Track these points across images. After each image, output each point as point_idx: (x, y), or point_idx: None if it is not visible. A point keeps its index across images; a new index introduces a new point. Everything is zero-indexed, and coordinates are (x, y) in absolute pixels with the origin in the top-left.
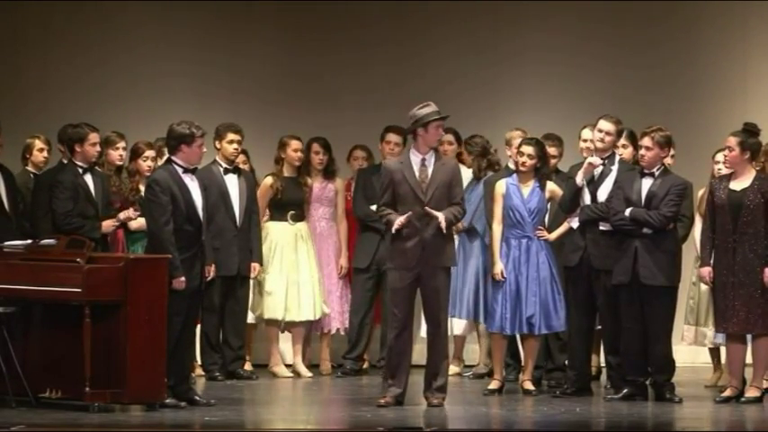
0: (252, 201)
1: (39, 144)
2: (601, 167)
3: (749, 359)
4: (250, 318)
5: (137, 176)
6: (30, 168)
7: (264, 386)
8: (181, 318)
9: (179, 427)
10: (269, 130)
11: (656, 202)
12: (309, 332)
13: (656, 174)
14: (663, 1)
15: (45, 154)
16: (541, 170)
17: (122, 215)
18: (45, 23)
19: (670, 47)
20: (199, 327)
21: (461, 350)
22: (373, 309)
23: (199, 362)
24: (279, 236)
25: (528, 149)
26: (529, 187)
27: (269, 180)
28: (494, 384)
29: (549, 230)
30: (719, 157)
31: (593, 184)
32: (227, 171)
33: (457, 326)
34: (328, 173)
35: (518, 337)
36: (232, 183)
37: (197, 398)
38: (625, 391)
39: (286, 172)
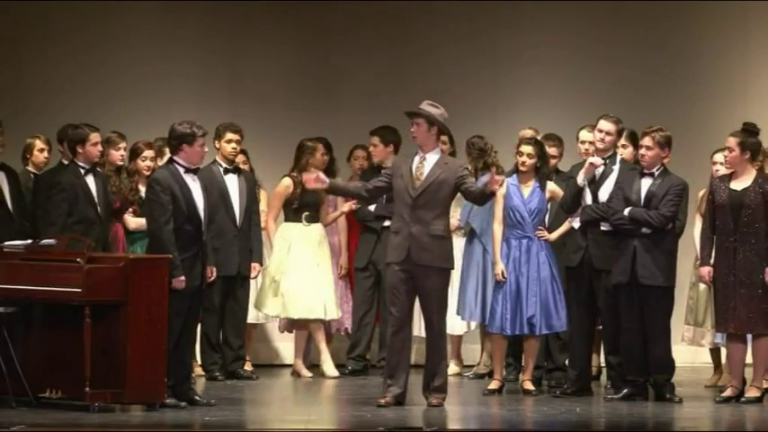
0: (252, 201)
1: (39, 144)
2: (602, 167)
3: (749, 359)
4: (251, 318)
5: (136, 176)
6: (30, 168)
7: (264, 386)
8: (181, 318)
9: (179, 427)
10: (269, 130)
11: (656, 202)
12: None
13: (656, 174)
14: (663, 1)
15: (45, 154)
16: (541, 170)
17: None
18: (45, 23)
19: (670, 47)
20: (199, 327)
21: (459, 350)
22: (374, 308)
23: (199, 362)
24: (294, 237)
25: (527, 149)
26: (529, 187)
27: (287, 181)
28: (494, 384)
29: (550, 230)
30: (718, 157)
31: (595, 184)
32: (227, 171)
33: (454, 326)
34: (329, 173)
35: None
36: (232, 183)
37: (197, 398)
38: (625, 391)
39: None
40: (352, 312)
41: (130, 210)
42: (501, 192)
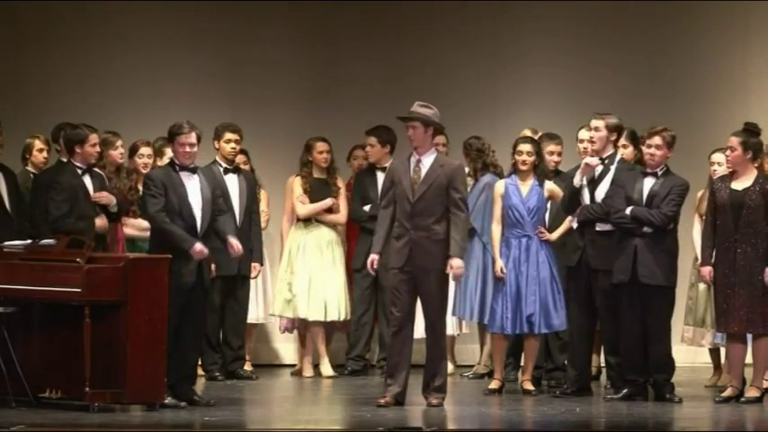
0: (252, 201)
1: (38, 144)
2: (601, 167)
3: (749, 359)
4: (251, 318)
5: (134, 175)
6: (30, 168)
7: (264, 386)
8: (174, 311)
9: (179, 427)
10: (269, 131)
11: (658, 202)
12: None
13: (659, 173)
14: (663, 2)
15: (45, 154)
16: (539, 168)
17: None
18: (45, 25)
19: (670, 48)
20: None
21: (452, 350)
22: (372, 308)
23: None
24: (304, 237)
25: (526, 147)
26: (528, 186)
27: (296, 180)
28: (494, 384)
29: (550, 230)
30: (715, 157)
31: (593, 183)
32: (226, 171)
33: (448, 326)
34: (329, 172)
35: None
36: (232, 183)
37: (197, 398)
38: (625, 391)
39: (315, 173)
40: (351, 313)
41: (111, 201)
42: (499, 191)
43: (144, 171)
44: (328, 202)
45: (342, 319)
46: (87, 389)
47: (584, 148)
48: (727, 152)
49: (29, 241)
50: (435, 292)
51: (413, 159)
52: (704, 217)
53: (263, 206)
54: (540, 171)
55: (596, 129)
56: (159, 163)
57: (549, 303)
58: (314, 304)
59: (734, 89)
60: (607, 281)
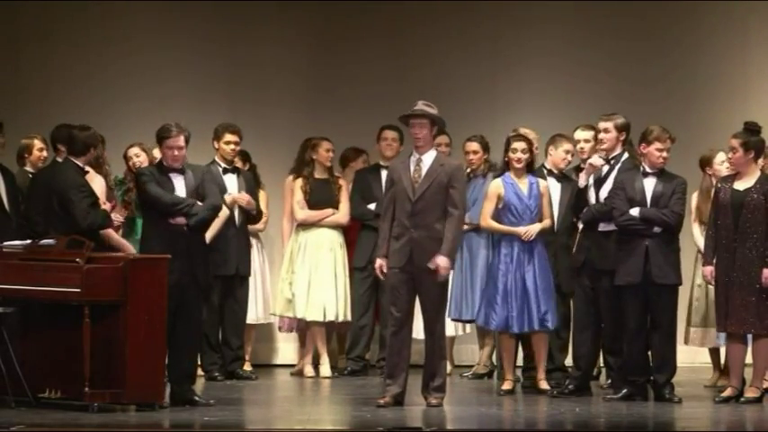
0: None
1: (38, 144)
2: (606, 167)
3: (749, 359)
4: (250, 318)
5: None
6: (28, 168)
7: (264, 386)
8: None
9: (179, 427)
10: (268, 131)
11: (665, 201)
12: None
13: (659, 173)
14: (663, 2)
15: (45, 153)
16: (531, 165)
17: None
18: (45, 27)
19: (670, 48)
20: None
21: (451, 351)
22: (372, 308)
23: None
24: (305, 237)
25: (521, 145)
26: (525, 184)
27: (296, 182)
28: (507, 385)
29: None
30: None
31: (598, 184)
32: (225, 171)
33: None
34: (330, 171)
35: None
36: (231, 182)
37: (196, 398)
38: (624, 390)
39: (317, 174)
40: (351, 312)
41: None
42: (498, 191)
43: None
44: (329, 212)
45: (341, 320)
46: (87, 389)
47: (581, 149)
48: (729, 154)
49: (28, 241)
50: (435, 292)
51: (413, 158)
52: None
53: (262, 206)
54: (538, 170)
55: (606, 130)
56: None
57: (550, 301)
58: (313, 305)
59: (733, 90)
60: (608, 281)
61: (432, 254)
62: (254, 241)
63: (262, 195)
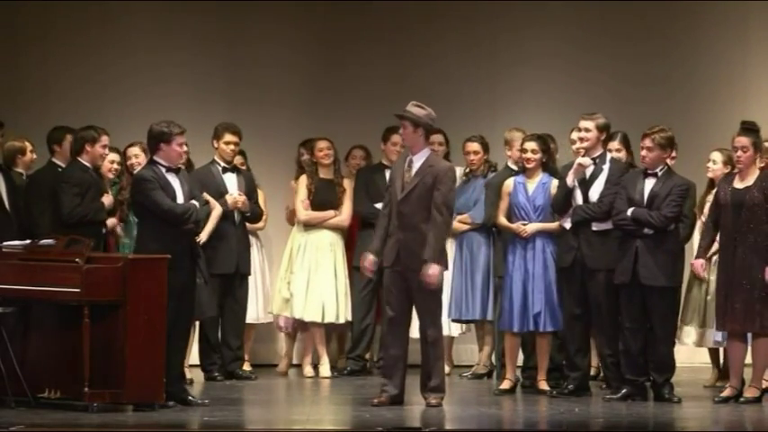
0: (250, 199)
1: (29, 146)
2: (592, 167)
3: (749, 359)
4: (250, 318)
5: (125, 175)
6: (19, 170)
7: (264, 386)
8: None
9: (178, 428)
10: (267, 131)
11: (658, 203)
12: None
13: (660, 174)
14: (663, 2)
15: (35, 156)
16: (547, 165)
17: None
18: (44, 27)
19: (670, 48)
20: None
21: (450, 351)
22: (374, 307)
23: (198, 362)
24: (305, 238)
25: (531, 145)
26: (535, 184)
27: (300, 180)
28: (505, 384)
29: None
30: (713, 155)
31: (585, 184)
32: (225, 170)
33: (448, 326)
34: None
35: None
36: (231, 181)
37: (190, 398)
38: (624, 390)
39: (321, 174)
40: (352, 312)
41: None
42: (507, 189)
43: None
44: (330, 213)
45: (340, 321)
46: (86, 389)
47: (577, 149)
48: (739, 153)
49: (28, 241)
50: (426, 296)
51: (407, 158)
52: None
53: (261, 206)
54: (549, 169)
55: (587, 129)
56: None
57: (555, 302)
58: (311, 305)
59: (733, 90)
60: (604, 280)
61: (417, 255)
62: (253, 240)
63: (260, 195)
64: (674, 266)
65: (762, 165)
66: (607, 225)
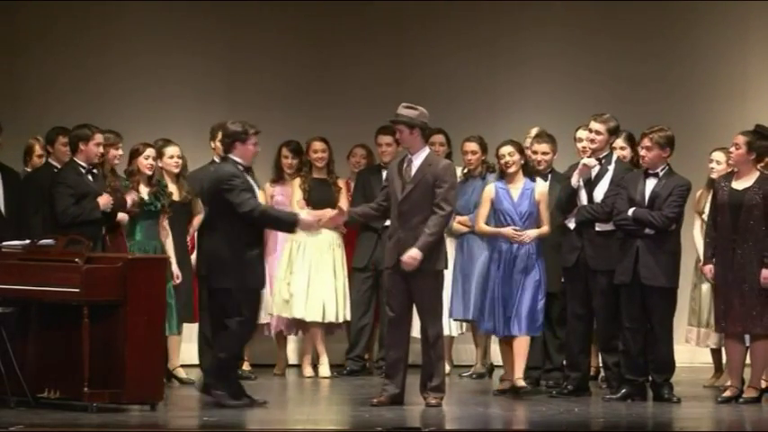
0: None
1: (38, 148)
2: (597, 168)
3: (749, 360)
4: None
5: (137, 176)
6: (29, 170)
7: (263, 386)
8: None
9: (178, 428)
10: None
11: (660, 203)
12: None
13: (661, 174)
14: (662, 2)
15: (42, 160)
16: (525, 167)
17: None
18: (45, 28)
19: (670, 48)
20: (197, 326)
21: (450, 351)
22: (372, 308)
23: (197, 362)
24: (304, 238)
25: (506, 149)
26: (518, 189)
27: (295, 182)
28: (502, 386)
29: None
30: (715, 155)
31: (590, 184)
32: None
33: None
34: (328, 172)
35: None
36: None
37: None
38: (623, 390)
39: (314, 174)
40: (351, 313)
41: (135, 199)
42: (489, 196)
43: (148, 172)
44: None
45: (340, 321)
46: (86, 389)
47: (583, 147)
48: (731, 149)
49: (27, 241)
50: (428, 292)
51: (406, 159)
52: (706, 216)
53: None
54: (528, 170)
55: (597, 132)
56: (159, 164)
57: (537, 307)
58: (312, 305)
59: (733, 90)
60: (606, 281)
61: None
62: None
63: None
64: (675, 267)
65: (760, 167)
66: (611, 226)
